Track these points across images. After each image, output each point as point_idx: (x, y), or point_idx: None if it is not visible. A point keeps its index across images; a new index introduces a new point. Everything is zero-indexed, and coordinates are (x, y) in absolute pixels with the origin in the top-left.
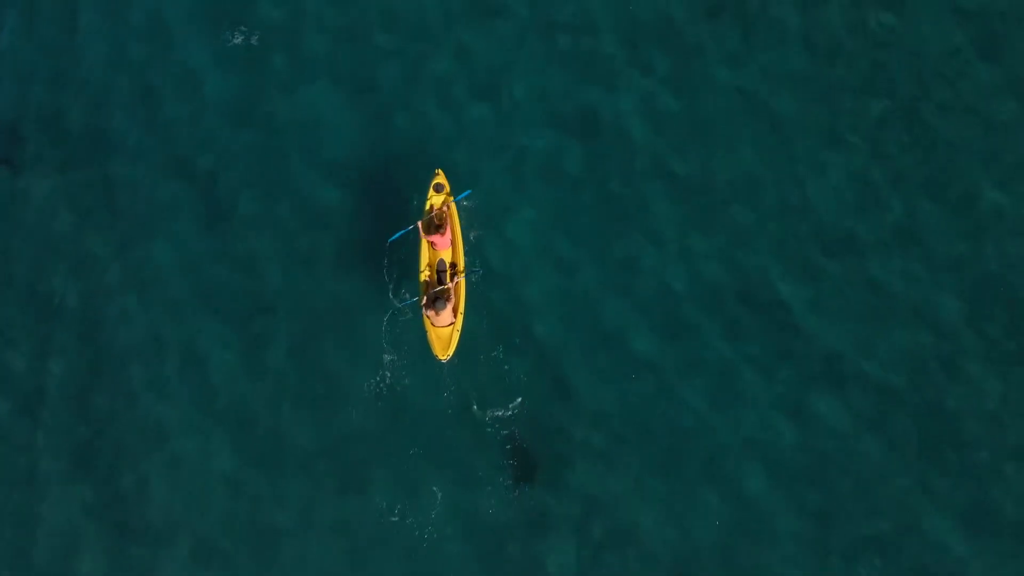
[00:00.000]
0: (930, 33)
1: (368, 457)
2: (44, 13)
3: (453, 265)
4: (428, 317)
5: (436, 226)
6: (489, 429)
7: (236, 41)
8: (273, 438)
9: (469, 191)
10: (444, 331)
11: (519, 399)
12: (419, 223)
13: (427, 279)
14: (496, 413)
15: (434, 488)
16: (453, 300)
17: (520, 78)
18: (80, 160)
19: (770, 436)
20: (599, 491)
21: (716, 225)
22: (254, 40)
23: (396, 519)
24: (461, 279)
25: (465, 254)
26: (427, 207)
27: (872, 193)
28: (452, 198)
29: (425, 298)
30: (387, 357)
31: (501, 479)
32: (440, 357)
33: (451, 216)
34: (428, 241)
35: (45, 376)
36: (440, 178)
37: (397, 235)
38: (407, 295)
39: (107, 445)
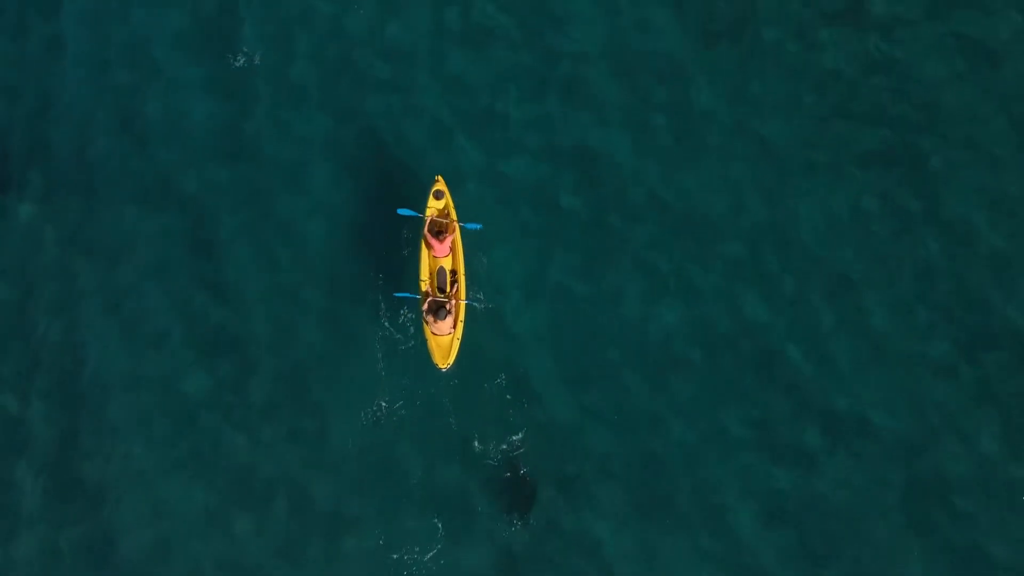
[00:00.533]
0: (929, 61)
1: (366, 489)
2: (32, 36)
3: (453, 273)
4: (428, 326)
5: (436, 232)
6: (490, 462)
7: (230, 66)
8: (264, 472)
9: (479, 226)
10: (444, 339)
11: (520, 433)
12: (426, 216)
13: (427, 288)
14: (497, 447)
15: (435, 521)
16: (453, 309)
17: (512, 108)
18: (63, 187)
19: (763, 479)
20: (598, 531)
21: (710, 260)
22: (244, 64)
23: (395, 555)
24: (461, 287)
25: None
26: (427, 213)
27: (869, 226)
28: (458, 222)
29: (425, 307)
30: (383, 387)
31: (501, 515)
32: (440, 365)
33: (452, 225)
34: (428, 248)
35: (25, 409)
36: (440, 185)
37: (406, 212)
38: (406, 291)
39: (89, 482)
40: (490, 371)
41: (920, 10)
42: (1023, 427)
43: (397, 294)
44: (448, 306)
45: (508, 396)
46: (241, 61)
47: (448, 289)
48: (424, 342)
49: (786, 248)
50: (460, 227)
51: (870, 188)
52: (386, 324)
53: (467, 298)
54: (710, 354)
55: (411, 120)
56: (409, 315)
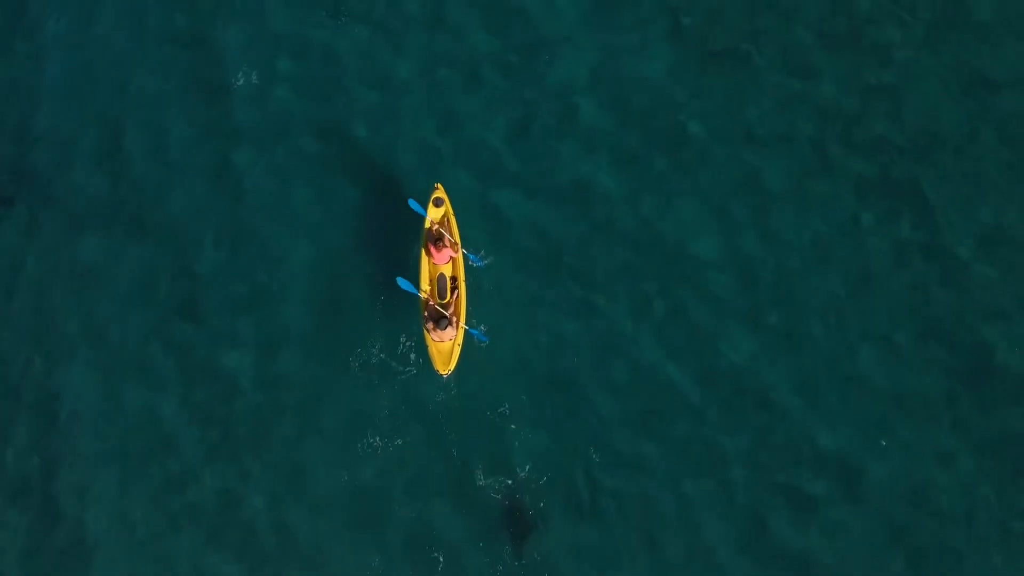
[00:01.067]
0: (932, 96)
1: (363, 521)
2: (14, 66)
3: (454, 279)
4: (429, 332)
5: (435, 240)
6: (491, 494)
7: (228, 90)
8: (252, 506)
9: (483, 263)
10: (445, 346)
11: (521, 467)
12: (421, 295)
13: (428, 294)
14: (497, 479)
15: (436, 555)
16: (454, 315)
17: (499, 140)
18: (46, 217)
19: (756, 521)
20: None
21: (702, 290)
22: (239, 86)
23: None
24: (462, 294)
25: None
26: (426, 222)
27: (868, 263)
28: (461, 248)
29: (426, 313)
30: (379, 417)
31: (501, 549)
32: (441, 372)
33: (451, 231)
34: (428, 255)
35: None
36: (440, 192)
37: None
38: (406, 280)
39: (69, 526)
40: (491, 401)
41: (919, 37)
42: (1015, 470)
43: (400, 280)
44: (449, 313)
45: (512, 426)
46: (240, 81)
47: (448, 296)
48: (425, 353)
49: (778, 279)
50: (468, 260)
51: (865, 217)
52: (383, 355)
53: (468, 329)
54: (705, 386)
55: (401, 144)
56: (408, 343)
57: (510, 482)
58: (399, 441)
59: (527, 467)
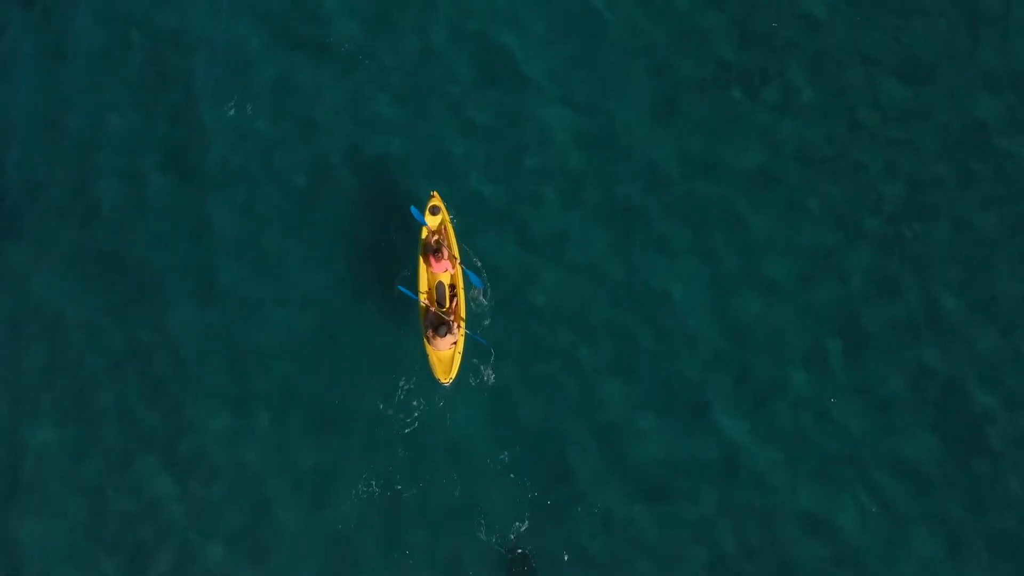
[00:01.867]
0: (952, 110)
1: (364, 567)
2: (23, 81)
3: (452, 287)
4: (429, 341)
5: (433, 250)
6: (494, 544)
7: (230, 112)
8: (260, 539)
9: (481, 285)
10: (446, 354)
11: (523, 517)
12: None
13: (427, 303)
14: (500, 526)
15: None
16: (454, 323)
17: (482, 179)
18: (59, 230)
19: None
20: None
21: (691, 343)
22: (248, 110)
23: None
24: (461, 302)
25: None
26: (423, 231)
27: (889, 287)
28: (460, 265)
29: (426, 322)
30: (380, 460)
31: None
32: (442, 380)
33: (449, 239)
34: (426, 264)
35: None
36: (436, 200)
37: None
38: (406, 287)
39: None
40: (493, 447)
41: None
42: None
43: (400, 288)
44: (448, 321)
45: (511, 475)
46: (250, 105)
47: (448, 304)
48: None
49: (804, 308)
50: (464, 271)
51: (887, 245)
52: (382, 405)
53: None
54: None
55: (387, 179)
56: (407, 387)
57: (511, 529)
58: (398, 486)
59: (526, 515)
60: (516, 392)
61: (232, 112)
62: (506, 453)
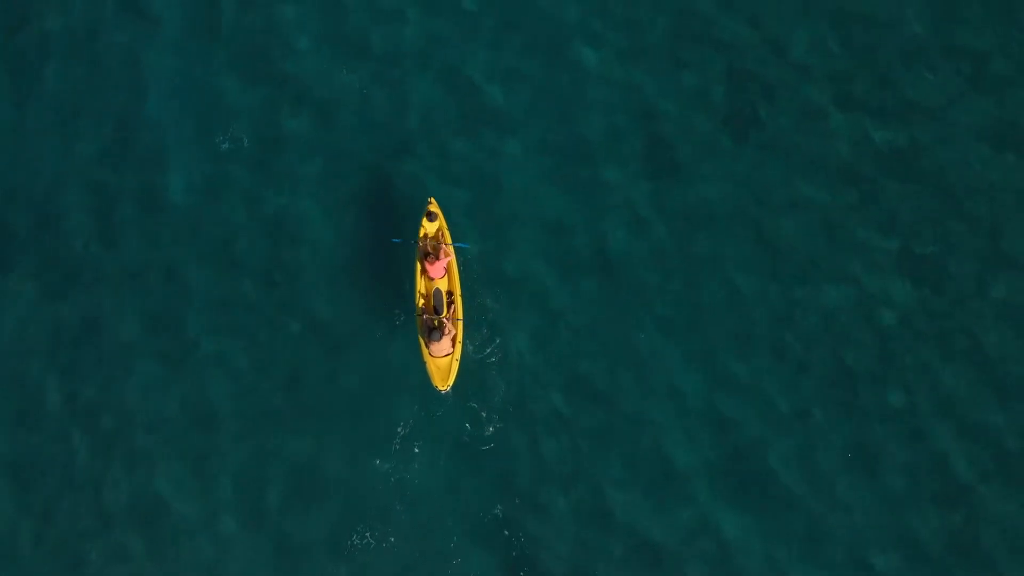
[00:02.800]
0: (949, 156)
1: None
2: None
3: (450, 294)
4: (426, 348)
5: (430, 255)
6: None
7: (221, 147)
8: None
9: (467, 245)
10: (443, 361)
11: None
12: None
13: (423, 309)
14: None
15: None
16: (451, 330)
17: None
18: (35, 278)
19: None
20: None
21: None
22: (234, 146)
23: None
24: (458, 308)
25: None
26: (420, 234)
27: (882, 340)
28: (451, 245)
29: (423, 329)
30: (376, 506)
31: None
32: (439, 388)
33: (445, 245)
34: (423, 270)
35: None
36: (433, 206)
37: (398, 240)
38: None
39: None
40: (491, 495)
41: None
42: None
43: (394, 239)
44: (445, 327)
45: (505, 531)
46: (234, 143)
47: (445, 311)
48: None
49: (791, 364)
50: (454, 248)
51: (880, 296)
52: (379, 460)
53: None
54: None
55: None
56: (398, 437)
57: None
58: (392, 539)
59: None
60: (513, 447)
61: (225, 146)
62: (499, 507)
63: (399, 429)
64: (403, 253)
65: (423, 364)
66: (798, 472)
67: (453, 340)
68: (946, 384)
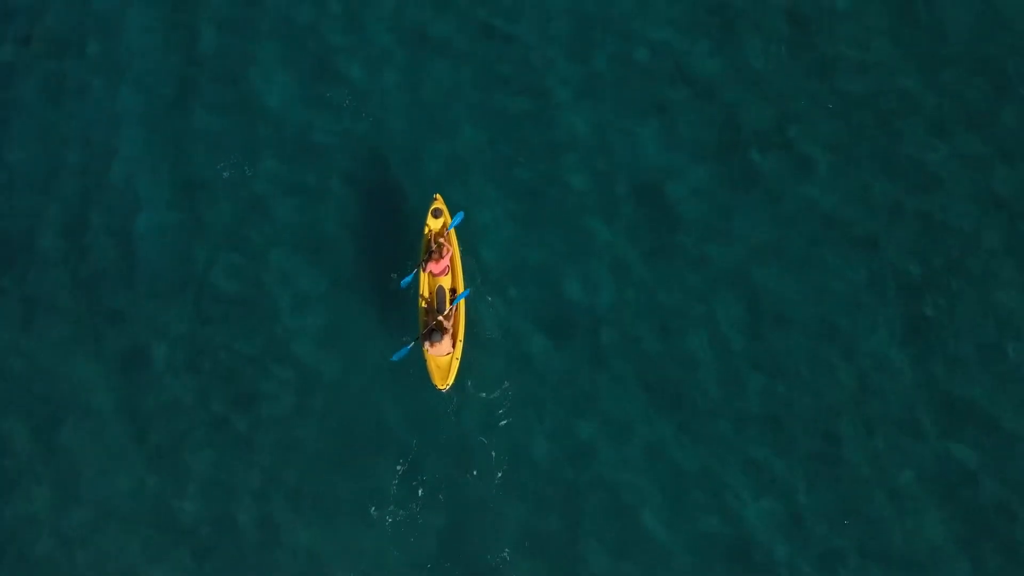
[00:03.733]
0: (958, 221)
1: None
2: None
3: (453, 291)
4: (426, 346)
5: (435, 252)
6: None
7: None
8: None
9: (462, 213)
10: (443, 360)
11: None
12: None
13: (425, 307)
14: None
15: None
16: (452, 328)
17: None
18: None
19: None
20: None
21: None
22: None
23: None
24: (461, 306)
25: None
26: (425, 231)
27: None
28: (450, 222)
29: (424, 327)
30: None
31: None
32: (439, 386)
33: (450, 242)
34: (427, 268)
35: None
36: (439, 203)
37: (406, 281)
38: (402, 277)
39: None
40: (494, 544)
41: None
42: None
43: (404, 283)
44: (446, 324)
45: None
46: (225, 173)
47: (447, 309)
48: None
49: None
50: (451, 227)
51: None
52: (374, 509)
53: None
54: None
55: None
56: (402, 468)
57: None
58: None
59: None
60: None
61: (231, 172)
62: (507, 551)
63: (398, 465)
64: (400, 257)
65: (423, 363)
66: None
67: (454, 339)
68: None
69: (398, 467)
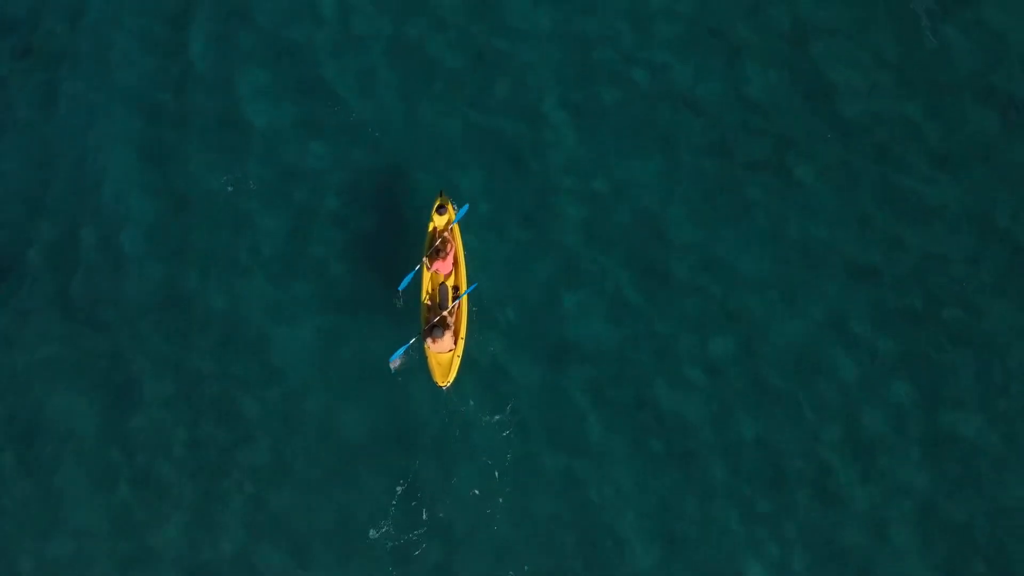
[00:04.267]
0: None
1: None
2: None
3: (455, 288)
4: (428, 343)
5: (438, 250)
6: None
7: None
8: None
9: (467, 205)
10: (444, 357)
11: None
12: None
13: (428, 304)
14: None
15: None
16: (454, 325)
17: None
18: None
19: None
20: None
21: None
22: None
23: None
24: (463, 304)
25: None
26: (430, 228)
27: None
28: (454, 216)
29: (425, 324)
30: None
31: None
32: (440, 383)
33: (454, 239)
34: (430, 265)
35: None
36: (443, 200)
37: (405, 282)
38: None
39: None
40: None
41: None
42: None
43: (402, 285)
44: (449, 323)
45: None
46: (229, 188)
47: (450, 306)
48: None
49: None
50: (456, 221)
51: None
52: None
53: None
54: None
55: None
56: (393, 502)
57: None
58: None
59: None
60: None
61: (230, 184)
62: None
63: (397, 487)
64: (404, 254)
65: (425, 360)
66: None
67: (455, 335)
68: None
69: (397, 488)
